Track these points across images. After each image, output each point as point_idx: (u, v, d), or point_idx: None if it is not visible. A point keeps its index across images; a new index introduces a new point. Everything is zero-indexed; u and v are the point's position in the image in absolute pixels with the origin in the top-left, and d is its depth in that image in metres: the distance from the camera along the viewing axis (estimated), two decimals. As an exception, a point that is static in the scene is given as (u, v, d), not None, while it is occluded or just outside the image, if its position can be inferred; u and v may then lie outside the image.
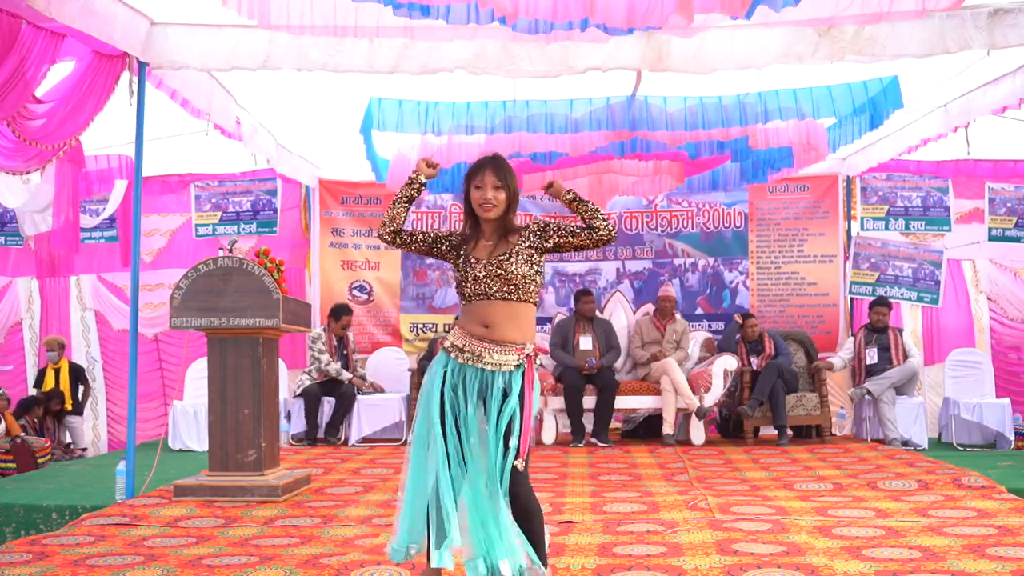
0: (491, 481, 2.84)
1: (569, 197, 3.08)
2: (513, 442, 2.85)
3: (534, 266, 2.98)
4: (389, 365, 8.35)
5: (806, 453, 6.68)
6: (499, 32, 4.98)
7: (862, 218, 8.69)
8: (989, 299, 8.67)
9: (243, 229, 8.79)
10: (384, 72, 5.15)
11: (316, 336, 7.74)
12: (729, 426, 7.89)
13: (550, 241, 3.01)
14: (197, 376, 7.58)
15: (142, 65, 5.19)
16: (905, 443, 7.16)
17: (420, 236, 3.14)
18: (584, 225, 3.03)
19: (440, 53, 5.09)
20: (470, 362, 2.93)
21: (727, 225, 8.91)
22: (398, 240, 3.13)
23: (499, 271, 2.93)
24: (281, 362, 6.47)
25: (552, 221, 3.07)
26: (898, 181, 8.62)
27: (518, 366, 2.93)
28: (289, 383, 8.01)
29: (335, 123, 7.13)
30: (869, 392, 7.37)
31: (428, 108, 6.15)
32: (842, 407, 8.17)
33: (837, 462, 6.19)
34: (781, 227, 8.85)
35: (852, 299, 8.70)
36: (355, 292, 8.92)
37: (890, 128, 7.29)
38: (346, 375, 7.69)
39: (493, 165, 3.00)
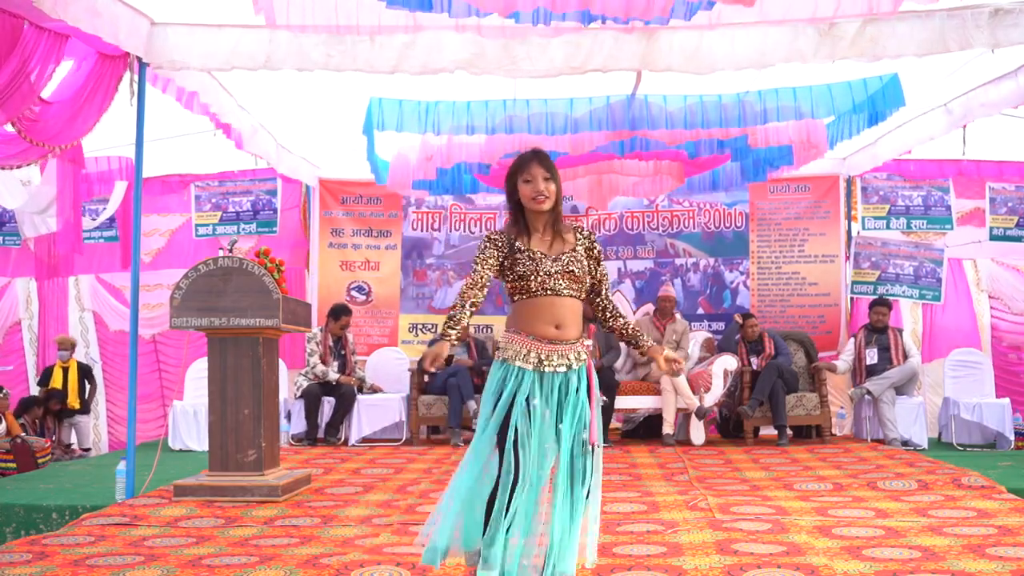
0: (573, 480, 2.83)
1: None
2: (586, 436, 2.85)
3: (587, 266, 2.97)
4: (389, 365, 8.35)
5: (806, 453, 6.68)
6: (499, 32, 4.98)
7: (863, 218, 8.68)
8: (991, 297, 8.68)
9: (243, 229, 8.79)
10: (384, 72, 5.15)
11: (311, 337, 7.74)
12: (729, 426, 7.88)
13: (592, 261, 3.00)
14: (197, 376, 7.59)
15: (142, 65, 5.19)
16: (905, 443, 7.16)
17: (488, 279, 2.94)
18: (598, 295, 3.08)
19: (440, 53, 5.09)
20: (541, 367, 2.85)
21: (728, 225, 8.91)
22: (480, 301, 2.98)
23: (569, 267, 2.90)
24: (281, 362, 6.47)
25: (599, 253, 3.05)
26: (899, 181, 8.61)
27: (582, 361, 2.91)
28: (289, 384, 8.01)
29: (335, 123, 7.14)
30: (869, 392, 7.37)
31: (428, 108, 6.15)
32: (842, 407, 8.17)
33: (837, 462, 6.19)
34: (782, 227, 8.85)
35: (852, 299, 8.70)
36: (353, 293, 8.92)
37: (890, 127, 7.30)
38: (333, 376, 7.67)
39: (538, 158, 2.96)
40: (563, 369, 2.87)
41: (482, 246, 2.95)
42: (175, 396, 8.24)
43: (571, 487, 2.84)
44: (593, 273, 3.02)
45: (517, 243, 2.94)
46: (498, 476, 2.85)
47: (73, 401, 8.55)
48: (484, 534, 2.81)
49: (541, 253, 2.91)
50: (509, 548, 2.76)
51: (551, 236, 2.97)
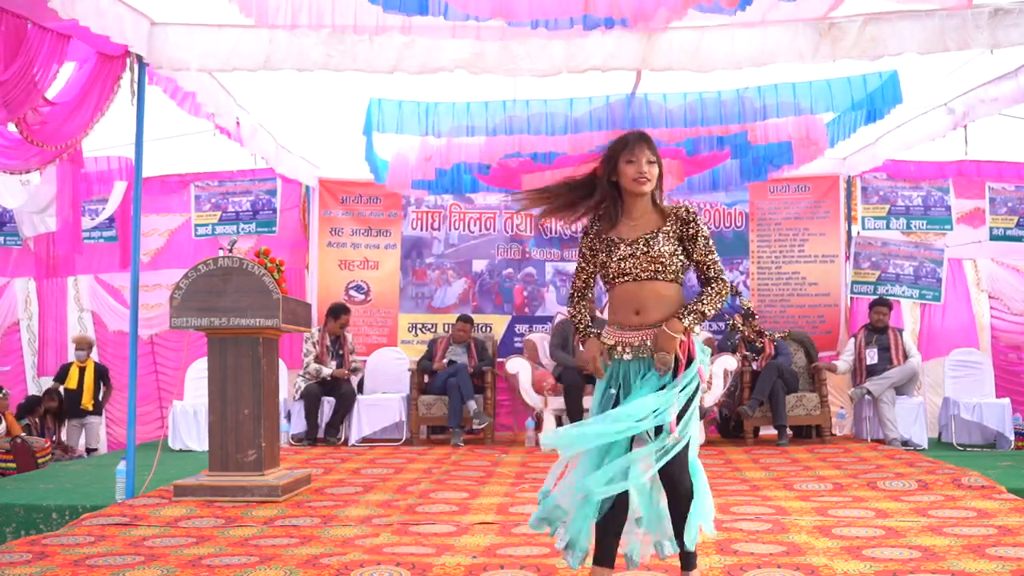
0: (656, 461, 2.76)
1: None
2: (663, 419, 2.74)
3: (677, 247, 2.87)
4: (389, 365, 8.35)
5: (806, 453, 6.68)
6: (499, 32, 4.98)
7: (863, 218, 8.68)
8: (991, 297, 8.68)
9: (243, 229, 8.79)
10: (384, 72, 5.15)
11: (307, 337, 7.75)
12: (729, 426, 7.88)
13: (690, 252, 2.89)
14: (197, 376, 7.58)
15: (142, 65, 5.19)
16: (905, 443, 7.16)
17: (587, 274, 3.00)
18: (705, 282, 2.94)
19: (440, 52, 5.09)
20: (627, 356, 2.84)
21: (728, 225, 8.91)
22: (580, 298, 3.05)
23: (644, 249, 2.83)
24: (281, 362, 6.47)
25: (700, 232, 2.89)
26: (899, 181, 8.62)
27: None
28: (289, 385, 8.01)
29: (335, 123, 7.13)
30: (869, 392, 7.37)
31: (428, 109, 6.15)
32: (842, 407, 8.17)
33: (837, 462, 6.19)
34: (782, 227, 8.85)
35: (852, 299, 8.70)
36: (352, 292, 8.92)
37: (891, 126, 7.30)
38: (326, 371, 7.67)
39: (644, 139, 2.88)
40: (646, 355, 2.82)
41: (581, 237, 3.00)
42: (172, 397, 8.25)
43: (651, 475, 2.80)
44: (690, 253, 2.88)
45: (601, 231, 2.92)
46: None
47: (87, 402, 8.57)
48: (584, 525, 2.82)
49: (618, 239, 2.87)
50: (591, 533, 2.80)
51: (643, 219, 2.90)
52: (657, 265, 2.83)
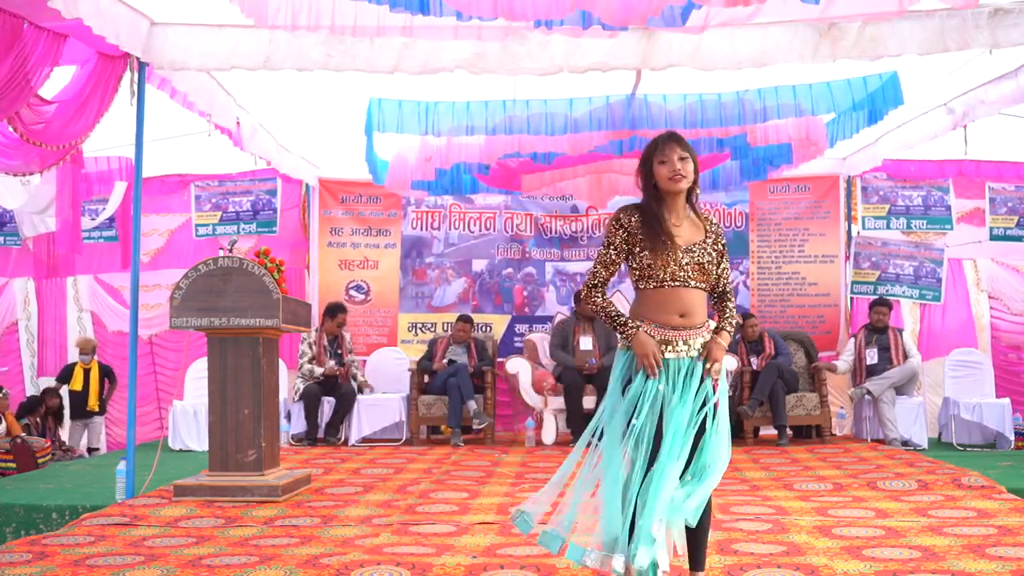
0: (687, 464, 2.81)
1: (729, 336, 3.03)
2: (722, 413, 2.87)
3: (715, 259, 2.96)
4: (389, 365, 8.35)
5: (806, 453, 6.68)
6: (499, 32, 4.98)
7: (863, 218, 8.68)
8: (990, 297, 8.68)
9: (243, 229, 8.79)
10: (384, 72, 5.15)
11: (304, 337, 7.74)
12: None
13: (717, 257, 2.97)
14: (197, 376, 7.58)
15: (142, 65, 5.19)
16: (905, 443, 7.16)
17: (613, 266, 2.98)
18: (721, 296, 3.04)
19: (440, 53, 5.09)
20: (672, 355, 2.86)
21: (728, 225, 8.91)
22: (600, 288, 3.02)
23: (699, 259, 2.89)
24: (281, 362, 6.47)
25: (725, 250, 3.01)
26: (899, 181, 8.61)
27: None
28: (289, 384, 8.01)
29: (335, 123, 7.13)
30: (869, 392, 7.37)
31: (428, 108, 6.15)
32: (842, 407, 8.17)
33: (837, 462, 6.19)
34: (782, 227, 8.85)
35: (852, 299, 8.70)
36: (352, 292, 8.92)
37: (891, 127, 7.30)
38: (319, 371, 7.67)
39: (673, 138, 2.91)
40: (685, 355, 2.87)
41: (611, 226, 2.94)
42: (171, 398, 8.24)
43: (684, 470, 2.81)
44: (717, 267, 2.97)
45: (647, 231, 2.89)
46: (634, 466, 2.82)
47: (93, 404, 8.61)
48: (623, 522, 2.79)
49: (671, 243, 2.87)
50: (645, 531, 2.72)
51: (686, 224, 2.93)
52: (704, 275, 2.92)
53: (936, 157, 8.32)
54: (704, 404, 2.85)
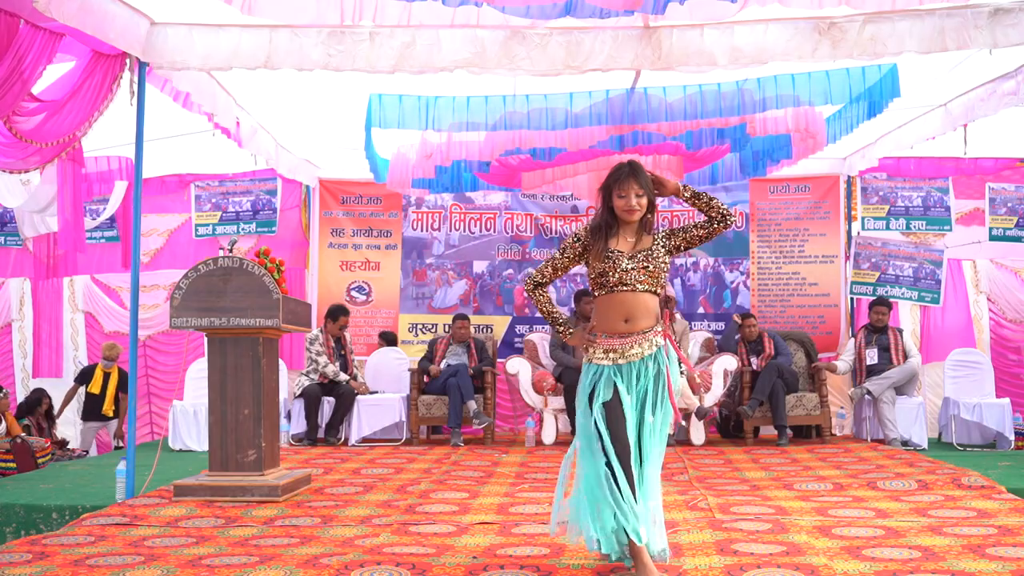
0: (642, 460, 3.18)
1: (687, 195, 3.30)
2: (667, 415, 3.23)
3: (667, 259, 3.28)
4: (389, 365, 8.35)
5: (806, 453, 6.68)
6: (500, 32, 4.98)
7: (863, 218, 8.68)
8: (989, 299, 8.68)
9: (243, 229, 8.79)
10: (385, 72, 5.15)
11: (313, 338, 7.74)
12: (729, 426, 7.88)
13: (675, 241, 3.30)
14: (197, 376, 7.58)
15: (142, 65, 5.19)
16: (905, 443, 7.16)
17: (562, 270, 3.40)
18: (705, 217, 3.31)
19: (440, 52, 5.09)
20: (619, 361, 3.19)
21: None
22: (544, 287, 3.44)
23: (645, 264, 3.21)
24: (281, 362, 6.47)
25: (676, 228, 3.37)
26: (899, 181, 8.61)
27: (659, 347, 3.22)
28: (289, 384, 8.01)
29: (335, 123, 7.13)
30: (869, 392, 7.37)
31: (428, 104, 6.14)
32: (842, 407, 8.17)
33: (837, 462, 6.19)
34: (782, 227, 8.85)
35: (853, 299, 8.70)
36: (353, 293, 8.92)
37: (890, 127, 7.29)
38: (344, 376, 7.70)
39: (633, 174, 3.23)
40: (636, 358, 3.19)
41: (570, 239, 3.35)
42: (163, 400, 8.24)
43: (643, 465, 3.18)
44: (673, 241, 3.29)
45: (600, 242, 3.26)
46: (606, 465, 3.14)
47: (108, 409, 8.65)
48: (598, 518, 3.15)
49: (620, 251, 3.24)
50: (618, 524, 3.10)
51: (635, 239, 3.28)
52: (652, 279, 3.23)
53: (936, 156, 8.30)
54: (646, 400, 3.19)
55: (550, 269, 3.38)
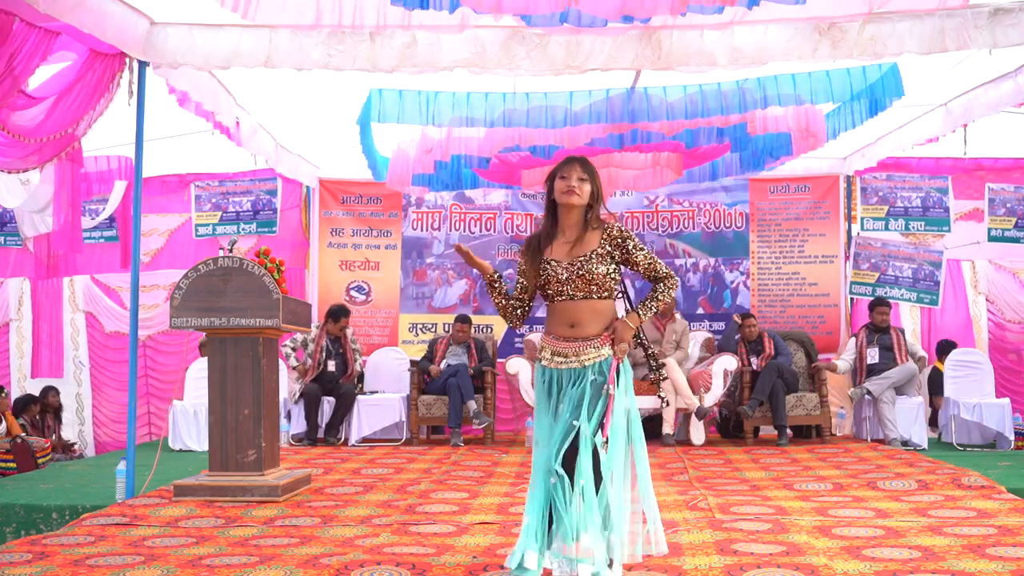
0: (576, 472, 3.02)
1: (646, 317, 3.17)
2: (594, 423, 3.04)
3: (611, 267, 3.15)
4: (389, 365, 8.34)
5: (806, 453, 6.68)
6: (500, 32, 4.98)
7: (862, 218, 8.67)
8: (988, 300, 8.68)
9: (243, 229, 8.78)
10: (384, 71, 5.15)
11: (296, 336, 7.72)
12: (729, 426, 7.88)
13: (626, 257, 3.17)
14: (197, 376, 7.58)
15: (142, 65, 5.18)
16: (905, 443, 7.16)
17: (528, 292, 3.28)
18: (655, 280, 3.21)
19: (441, 52, 5.09)
20: (563, 365, 3.13)
21: (728, 225, 8.91)
22: (525, 316, 3.32)
23: (581, 272, 3.11)
24: (281, 362, 6.47)
25: (636, 248, 3.18)
26: (898, 181, 8.61)
27: (602, 357, 3.12)
28: (289, 384, 8.00)
29: (335, 123, 7.13)
30: (869, 392, 7.37)
31: (428, 99, 6.13)
32: (842, 407, 8.17)
33: (837, 462, 6.19)
34: (782, 227, 8.86)
35: (852, 300, 8.70)
36: (352, 293, 8.92)
37: (890, 127, 7.29)
38: (294, 361, 7.69)
39: (580, 161, 3.17)
40: (576, 365, 3.11)
41: (519, 260, 3.29)
42: (161, 400, 8.23)
43: (578, 478, 3.03)
44: (633, 264, 3.17)
45: (540, 252, 3.19)
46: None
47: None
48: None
49: (555, 261, 3.15)
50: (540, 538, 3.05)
51: (574, 240, 3.16)
52: (592, 286, 3.12)
53: (936, 156, 8.31)
54: (580, 404, 3.06)
55: (520, 293, 3.29)
